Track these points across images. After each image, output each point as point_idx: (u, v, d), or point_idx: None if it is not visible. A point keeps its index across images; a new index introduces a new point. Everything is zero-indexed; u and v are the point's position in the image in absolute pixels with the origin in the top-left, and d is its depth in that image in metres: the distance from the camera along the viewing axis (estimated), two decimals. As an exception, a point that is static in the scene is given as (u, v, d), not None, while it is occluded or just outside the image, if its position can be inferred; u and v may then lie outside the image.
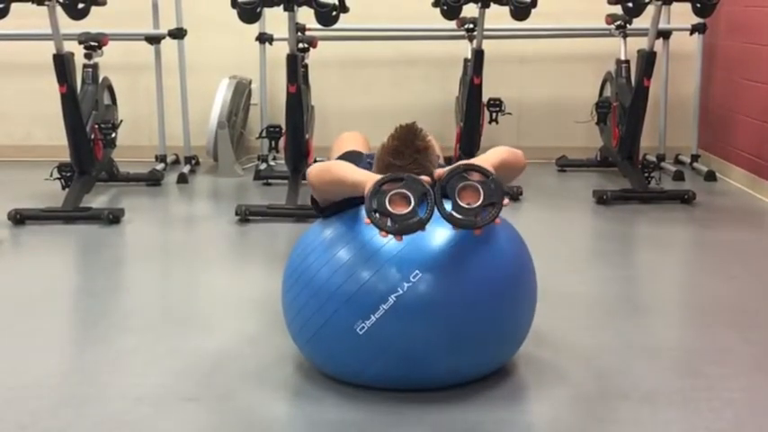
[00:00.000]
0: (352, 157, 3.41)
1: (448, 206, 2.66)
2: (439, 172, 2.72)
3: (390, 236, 2.62)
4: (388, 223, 2.61)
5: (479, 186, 2.66)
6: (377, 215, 2.62)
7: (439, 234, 2.73)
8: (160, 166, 6.45)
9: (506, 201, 2.67)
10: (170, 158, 6.73)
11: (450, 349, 2.74)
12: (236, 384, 2.91)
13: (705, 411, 2.73)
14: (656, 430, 2.64)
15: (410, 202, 2.62)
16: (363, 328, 2.66)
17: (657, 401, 2.78)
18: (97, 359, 3.20)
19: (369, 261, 2.69)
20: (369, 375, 2.79)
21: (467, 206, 2.65)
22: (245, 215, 5.11)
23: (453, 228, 2.67)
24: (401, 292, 2.64)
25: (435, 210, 2.63)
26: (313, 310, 2.76)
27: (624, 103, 6.03)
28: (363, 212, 2.67)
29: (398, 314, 2.65)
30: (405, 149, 2.81)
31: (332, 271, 2.72)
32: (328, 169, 2.92)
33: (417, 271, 2.65)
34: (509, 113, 6.30)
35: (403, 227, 2.61)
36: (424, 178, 2.67)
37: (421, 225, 2.61)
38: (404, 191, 2.64)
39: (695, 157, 6.65)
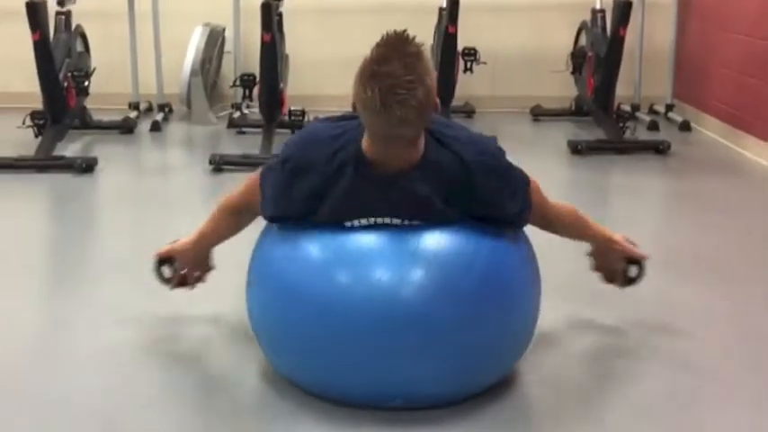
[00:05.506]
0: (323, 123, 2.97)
1: None
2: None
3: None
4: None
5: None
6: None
7: (427, 236, 2.41)
8: (133, 114, 6.41)
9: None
10: (143, 106, 6.69)
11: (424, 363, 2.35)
12: (212, 337, 2.91)
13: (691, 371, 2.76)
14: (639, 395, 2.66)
15: None
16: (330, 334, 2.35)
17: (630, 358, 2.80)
18: (71, 311, 3.19)
19: (340, 261, 2.39)
20: (335, 390, 2.45)
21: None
22: (220, 164, 5.08)
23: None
24: (376, 299, 2.30)
25: None
26: (279, 313, 2.48)
27: (599, 52, 6.03)
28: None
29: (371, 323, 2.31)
30: (393, 54, 2.29)
31: (299, 270, 2.42)
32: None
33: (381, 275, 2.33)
34: (484, 63, 6.30)
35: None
36: None
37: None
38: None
39: (670, 107, 6.67)
